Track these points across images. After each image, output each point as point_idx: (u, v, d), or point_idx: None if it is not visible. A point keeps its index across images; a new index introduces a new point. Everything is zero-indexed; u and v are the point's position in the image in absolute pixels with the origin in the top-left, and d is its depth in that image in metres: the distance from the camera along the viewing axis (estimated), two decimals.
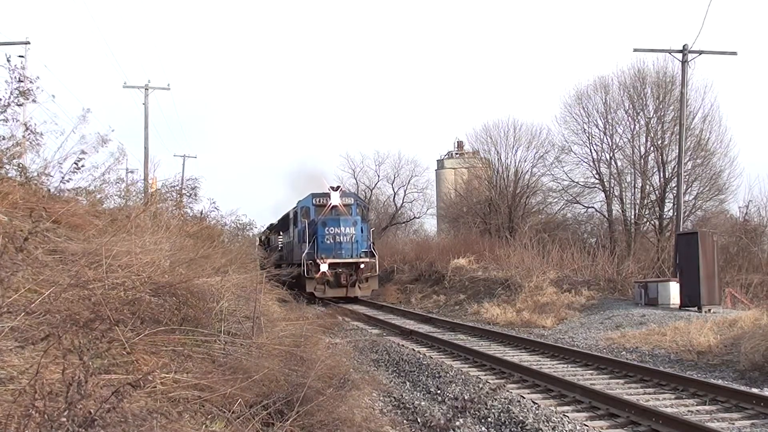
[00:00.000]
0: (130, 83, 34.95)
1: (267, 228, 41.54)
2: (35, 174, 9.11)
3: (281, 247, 34.06)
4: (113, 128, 11.82)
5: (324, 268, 24.50)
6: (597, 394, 8.64)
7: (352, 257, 25.14)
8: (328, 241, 25.16)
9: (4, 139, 8.50)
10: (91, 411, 2.96)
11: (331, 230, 25.21)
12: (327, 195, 26.92)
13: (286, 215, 32.22)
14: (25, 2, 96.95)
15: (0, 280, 3.64)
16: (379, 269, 27.49)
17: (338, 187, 27.91)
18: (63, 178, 8.17)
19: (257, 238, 40.93)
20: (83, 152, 8.15)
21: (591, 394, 8.71)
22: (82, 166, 7.75)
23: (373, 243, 26.95)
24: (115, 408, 2.99)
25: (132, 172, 15.81)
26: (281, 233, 34.45)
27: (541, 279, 22.39)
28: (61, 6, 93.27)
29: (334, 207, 26.45)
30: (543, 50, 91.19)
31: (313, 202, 27.00)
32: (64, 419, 2.87)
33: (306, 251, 24.98)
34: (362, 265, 25.08)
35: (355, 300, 25.78)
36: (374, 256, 26.09)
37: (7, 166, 8.65)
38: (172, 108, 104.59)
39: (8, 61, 7.71)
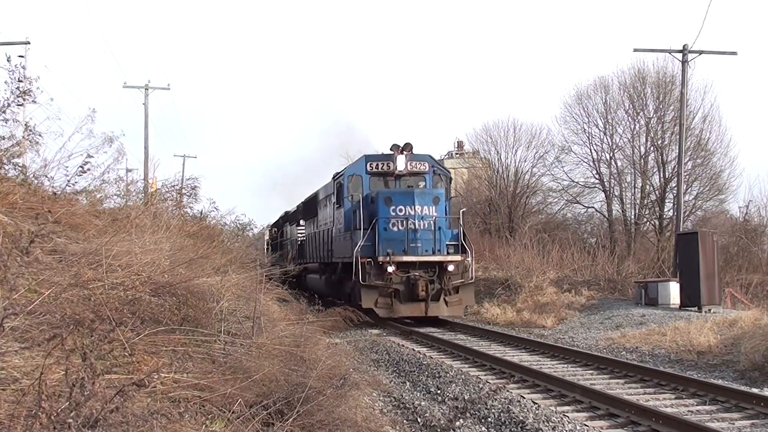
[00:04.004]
0: (130, 83, 35.05)
1: (280, 218, 34.36)
2: (32, 175, 9.13)
3: (302, 240, 26.52)
4: (114, 129, 11.85)
5: (391, 270, 16.28)
6: (597, 394, 8.64)
7: (433, 254, 16.60)
8: (395, 228, 16.54)
9: (4, 139, 8.50)
10: (95, 411, 2.97)
11: (400, 210, 16.58)
12: (389, 157, 18.22)
13: (315, 195, 23.75)
14: (25, 2, 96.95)
15: (2, 282, 3.65)
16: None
17: (407, 144, 18.23)
18: (69, 181, 8.16)
19: (266, 232, 37.06)
20: (89, 156, 8.13)
21: (591, 394, 8.70)
22: (88, 169, 7.72)
23: (464, 232, 17.71)
24: (119, 408, 3.00)
25: (131, 171, 15.85)
26: (302, 222, 26.41)
27: (541, 279, 22.40)
28: (61, 6, 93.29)
29: (400, 176, 18.27)
30: (543, 50, 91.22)
31: (368, 168, 18.21)
32: (71, 420, 2.88)
33: (360, 244, 16.24)
34: (450, 267, 16.58)
35: (435, 320, 17.59)
36: (467, 251, 17.09)
37: (7, 166, 8.65)
38: (172, 108, 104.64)
39: (8, 61, 7.72)
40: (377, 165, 18.30)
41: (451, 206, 19.02)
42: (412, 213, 16.54)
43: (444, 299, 16.67)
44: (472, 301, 18.43)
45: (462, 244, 17.12)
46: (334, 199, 19.61)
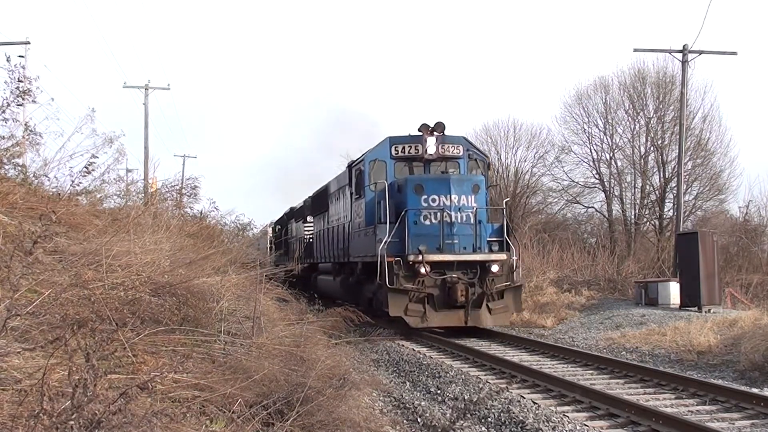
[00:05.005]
0: (130, 83, 35.11)
1: (284, 215, 32.33)
2: (32, 175, 9.15)
3: (310, 238, 24.42)
4: (112, 129, 11.89)
5: (423, 271, 13.91)
6: (597, 394, 8.64)
7: (474, 251, 14.29)
8: (428, 222, 14.27)
9: (4, 138, 8.52)
10: (97, 413, 2.97)
11: (433, 200, 14.25)
12: (417, 140, 15.81)
13: (325, 188, 21.35)
14: (25, 2, 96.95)
15: (2, 282, 3.65)
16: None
17: (438, 124, 15.82)
18: (73, 182, 8.18)
19: (268, 230, 35.79)
20: (94, 156, 8.15)
21: (591, 394, 8.70)
22: (93, 170, 7.74)
23: (509, 225, 15.61)
24: (122, 410, 3.00)
25: (131, 171, 15.83)
26: (310, 218, 24.41)
27: (541, 279, 22.43)
28: (61, 6, 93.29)
29: (430, 161, 15.91)
30: (543, 50, 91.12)
31: (393, 152, 15.86)
32: (73, 422, 2.88)
33: (385, 240, 13.95)
34: (494, 267, 14.27)
35: (474, 330, 15.01)
36: (511, 248, 14.91)
37: (7, 166, 8.67)
38: (172, 108, 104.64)
39: (8, 61, 7.72)
40: (404, 148, 15.84)
41: (489, 196, 16.41)
42: (448, 203, 14.16)
43: (487, 306, 14.32)
44: (520, 307, 15.65)
45: (506, 240, 14.87)
46: (351, 189, 17.20)
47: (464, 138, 16.78)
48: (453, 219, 14.16)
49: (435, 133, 15.75)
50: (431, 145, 15.64)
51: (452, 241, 14.18)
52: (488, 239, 14.82)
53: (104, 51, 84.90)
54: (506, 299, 14.63)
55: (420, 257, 13.83)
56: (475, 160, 16.38)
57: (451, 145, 15.97)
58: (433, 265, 14.00)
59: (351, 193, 17.28)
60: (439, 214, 14.17)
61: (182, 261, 7.79)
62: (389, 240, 13.95)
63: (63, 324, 4.20)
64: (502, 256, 14.54)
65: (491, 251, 14.64)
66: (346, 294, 18.19)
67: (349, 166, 17.61)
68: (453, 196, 14.22)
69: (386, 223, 14.17)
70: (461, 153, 16.10)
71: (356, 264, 16.99)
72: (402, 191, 14.75)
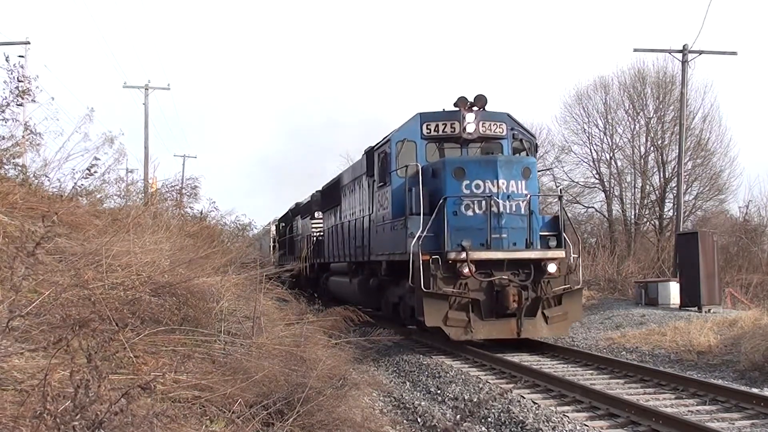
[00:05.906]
0: (130, 83, 35.09)
1: (289, 211, 30.18)
2: (32, 175, 9.16)
3: (319, 235, 22.32)
4: (112, 129, 11.92)
5: (467, 271, 11.51)
6: (597, 394, 8.63)
7: (527, 248, 11.98)
8: (470, 212, 11.90)
9: (3, 138, 8.52)
10: (99, 413, 2.98)
11: (477, 186, 11.92)
12: (454, 116, 13.29)
13: (337, 180, 19.58)
14: (25, 2, 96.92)
15: (3, 282, 3.65)
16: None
17: (478, 97, 13.30)
18: (75, 184, 8.20)
19: (271, 227, 35.04)
20: (96, 158, 8.17)
21: (591, 394, 8.70)
22: (95, 172, 7.76)
23: (567, 216, 13.84)
24: (123, 410, 3.01)
25: (132, 171, 15.84)
26: (318, 214, 22.43)
27: None
28: (61, 6, 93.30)
29: (468, 141, 13.46)
30: (543, 50, 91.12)
31: (424, 131, 13.36)
32: (76, 423, 2.89)
33: (418, 234, 11.61)
34: (551, 266, 11.94)
35: (527, 342, 12.74)
36: (567, 244, 12.67)
37: (7, 166, 8.68)
38: (172, 108, 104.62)
39: (7, 60, 7.73)
40: (437, 126, 13.28)
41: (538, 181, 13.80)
42: (495, 190, 11.75)
43: (542, 313, 11.97)
44: (580, 314, 13.24)
45: (562, 233, 12.53)
46: (373, 177, 14.75)
47: (507, 115, 13.95)
48: (501, 209, 11.76)
49: (474, 108, 13.26)
50: (470, 123, 13.13)
51: (500, 236, 11.78)
52: (544, 232, 12.57)
53: (104, 51, 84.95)
54: (565, 305, 12.24)
55: (462, 255, 11.43)
56: (521, 140, 13.91)
57: (493, 123, 13.44)
58: (478, 264, 11.62)
59: (372, 182, 14.89)
60: (484, 202, 11.77)
61: (182, 261, 7.79)
62: (424, 234, 11.59)
63: (64, 324, 4.21)
64: (560, 254, 12.27)
65: (547, 247, 12.32)
66: (365, 298, 15.86)
67: (368, 152, 15.16)
68: (500, 182, 11.83)
69: (419, 214, 11.85)
70: (504, 132, 13.57)
71: (379, 263, 14.47)
72: (438, 176, 12.34)
